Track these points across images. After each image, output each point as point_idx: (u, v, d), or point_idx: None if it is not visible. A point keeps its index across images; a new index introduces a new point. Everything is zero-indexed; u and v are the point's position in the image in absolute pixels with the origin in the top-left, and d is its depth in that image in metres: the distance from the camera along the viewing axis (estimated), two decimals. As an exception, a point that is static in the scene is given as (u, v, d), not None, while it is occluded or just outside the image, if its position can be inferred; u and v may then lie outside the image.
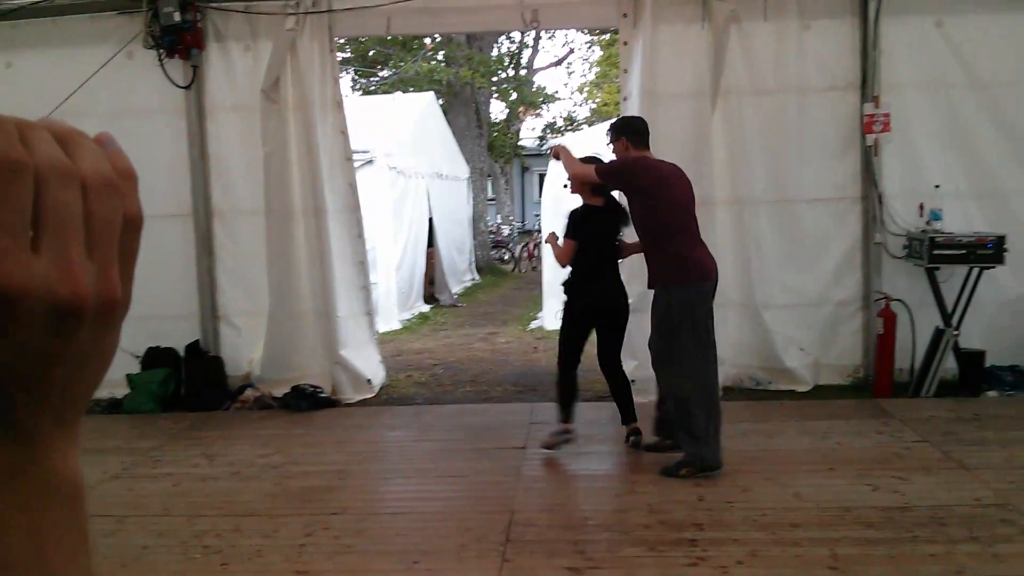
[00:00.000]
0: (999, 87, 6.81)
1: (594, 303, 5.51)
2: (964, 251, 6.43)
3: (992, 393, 6.64)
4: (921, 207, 6.76)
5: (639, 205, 5.10)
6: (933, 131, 6.90)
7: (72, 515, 0.44)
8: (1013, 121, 6.83)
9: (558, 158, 5.55)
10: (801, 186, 6.94)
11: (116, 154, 0.44)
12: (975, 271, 6.57)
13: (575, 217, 5.48)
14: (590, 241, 5.42)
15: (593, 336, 5.69)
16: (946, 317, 6.66)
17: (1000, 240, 6.43)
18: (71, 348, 0.41)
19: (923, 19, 6.79)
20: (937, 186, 6.72)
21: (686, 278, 4.91)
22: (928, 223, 6.69)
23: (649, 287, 5.20)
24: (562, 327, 5.68)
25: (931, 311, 6.71)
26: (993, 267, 6.51)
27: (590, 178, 5.18)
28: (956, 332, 6.63)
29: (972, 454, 5.14)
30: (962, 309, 6.66)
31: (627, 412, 5.61)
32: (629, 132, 5.23)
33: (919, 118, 6.88)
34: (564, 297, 5.61)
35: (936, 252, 6.45)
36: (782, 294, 7.02)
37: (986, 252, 6.42)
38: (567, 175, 5.51)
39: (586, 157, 5.56)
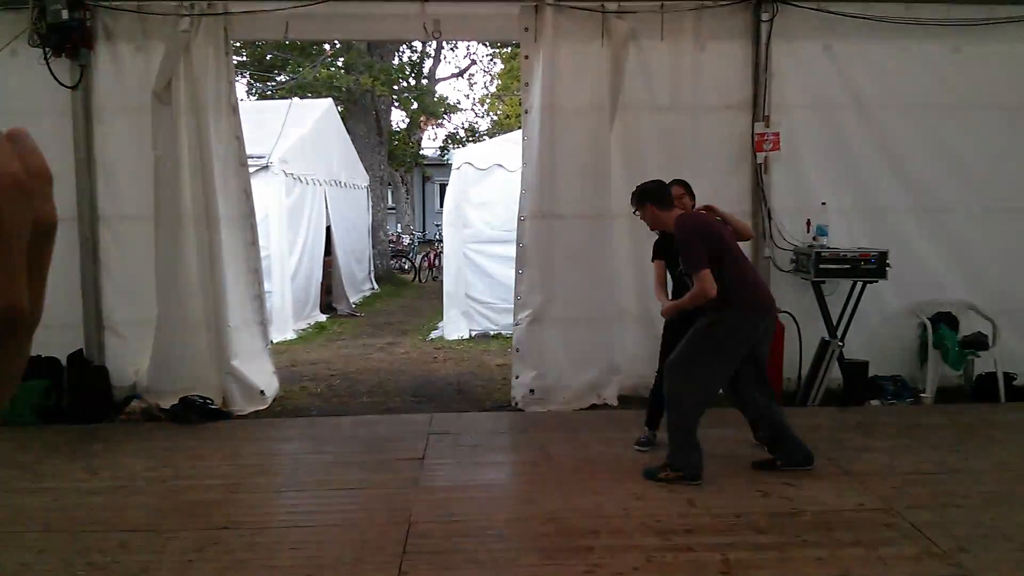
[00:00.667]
0: (882, 109, 7.15)
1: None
2: (848, 266, 6.71)
3: (875, 402, 6.95)
4: (808, 223, 7.02)
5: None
6: (820, 150, 7.20)
7: None
8: (894, 142, 7.18)
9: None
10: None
11: (30, 152, 0.40)
12: (859, 285, 6.86)
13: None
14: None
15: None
16: (831, 329, 6.92)
17: (882, 256, 6.73)
18: None
19: (812, 43, 7.08)
20: (823, 203, 6.99)
21: (745, 308, 4.99)
22: (815, 238, 6.96)
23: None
24: None
25: (817, 323, 6.97)
26: (876, 281, 6.82)
27: (708, 282, 4.89)
28: (841, 343, 6.90)
29: (856, 460, 5.34)
30: (846, 321, 6.94)
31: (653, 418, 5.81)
32: (653, 197, 5.28)
33: (807, 138, 7.17)
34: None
35: (822, 266, 6.71)
36: (677, 305, 7.16)
37: (869, 267, 6.72)
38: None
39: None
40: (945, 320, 7.15)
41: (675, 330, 5.59)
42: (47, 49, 6.57)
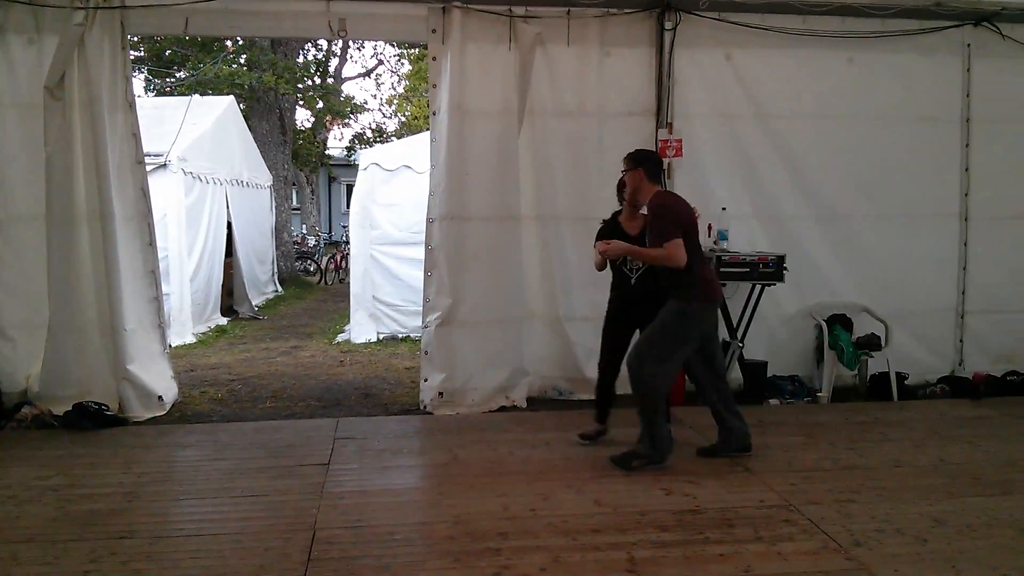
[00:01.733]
0: (780, 118, 7.39)
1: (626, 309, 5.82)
2: (748, 269, 6.90)
3: (774, 401, 7.16)
4: (709, 227, 7.19)
5: None
6: (721, 157, 7.39)
7: None
8: (792, 149, 7.43)
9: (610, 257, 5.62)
10: (602, 204, 7.17)
11: None
12: (758, 287, 7.06)
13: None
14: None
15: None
16: (732, 330, 7.11)
17: (780, 259, 6.94)
18: None
19: (714, 52, 7.26)
20: (724, 208, 7.17)
21: (708, 298, 5.31)
22: (716, 243, 7.13)
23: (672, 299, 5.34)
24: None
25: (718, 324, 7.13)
26: (774, 284, 7.03)
27: (681, 251, 5.09)
28: (741, 344, 7.09)
29: (756, 458, 5.49)
30: (746, 323, 7.14)
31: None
32: (647, 164, 5.43)
33: (709, 144, 7.35)
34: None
35: (723, 269, 6.88)
36: (584, 308, 7.25)
37: (768, 270, 6.92)
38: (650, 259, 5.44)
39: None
40: (840, 322, 7.43)
41: (619, 325, 5.80)
42: (-70, 40, 6.26)
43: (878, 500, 4.81)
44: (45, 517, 4.59)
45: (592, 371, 7.17)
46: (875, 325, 7.44)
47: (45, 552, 4.12)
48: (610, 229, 5.81)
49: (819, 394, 7.29)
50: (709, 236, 7.18)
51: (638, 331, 5.67)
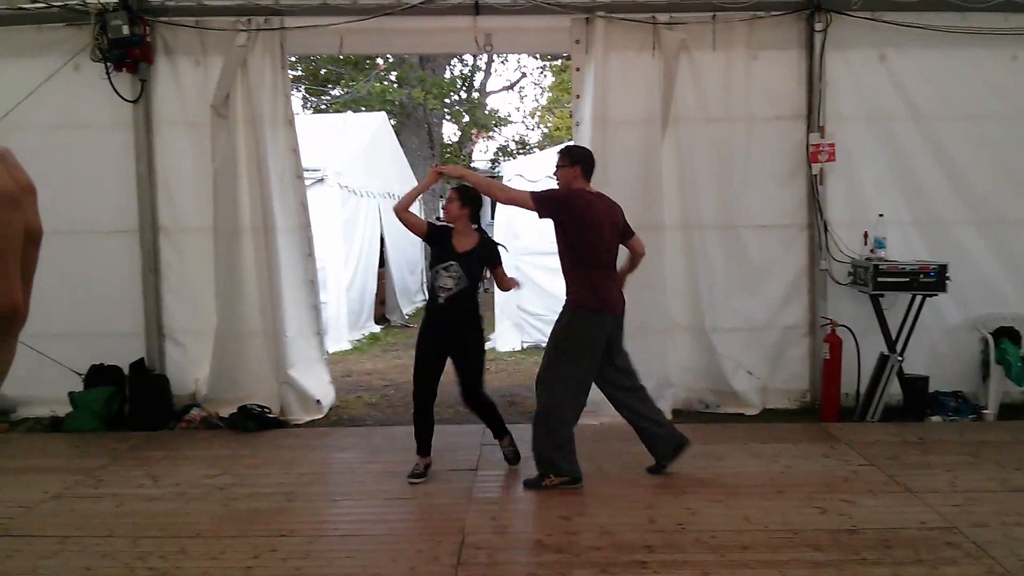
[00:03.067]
0: (939, 120, 7.01)
1: (432, 332, 5.56)
2: (907, 279, 6.58)
3: (936, 418, 6.79)
4: (865, 235, 6.91)
5: (564, 233, 5.23)
6: (876, 161, 7.07)
7: None
8: (952, 152, 7.03)
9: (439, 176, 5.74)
10: (749, 212, 7.05)
11: (17, 169, 0.43)
12: (918, 298, 6.72)
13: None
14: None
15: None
16: (890, 343, 6.80)
17: (942, 268, 6.59)
18: None
19: (867, 53, 6.98)
20: (881, 215, 6.88)
21: (594, 305, 5.15)
22: (872, 251, 6.84)
23: (562, 310, 5.34)
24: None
25: (875, 337, 6.84)
26: (935, 295, 6.67)
27: (523, 204, 5.25)
28: (900, 358, 6.77)
29: (917, 478, 5.23)
30: (906, 335, 6.80)
31: (497, 427, 5.78)
32: (586, 164, 5.38)
33: (863, 148, 7.05)
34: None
35: (880, 279, 6.59)
36: (731, 318, 7.11)
37: (929, 280, 6.58)
38: (499, 198, 5.65)
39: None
40: (1008, 334, 6.97)
41: (428, 351, 5.55)
42: (109, 64, 6.76)
43: (1052, 525, 4.49)
44: (211, 514, 4.87)
45: (740, 383, 7.05)
46: (1048, 338, 6.95)
47: (211, 548, 4.37)
48: (440, 236, 5.60)
49: (985, 411, 6.87)
50: (866, 244, 6.91)
51: (450, 359, 5.54)
